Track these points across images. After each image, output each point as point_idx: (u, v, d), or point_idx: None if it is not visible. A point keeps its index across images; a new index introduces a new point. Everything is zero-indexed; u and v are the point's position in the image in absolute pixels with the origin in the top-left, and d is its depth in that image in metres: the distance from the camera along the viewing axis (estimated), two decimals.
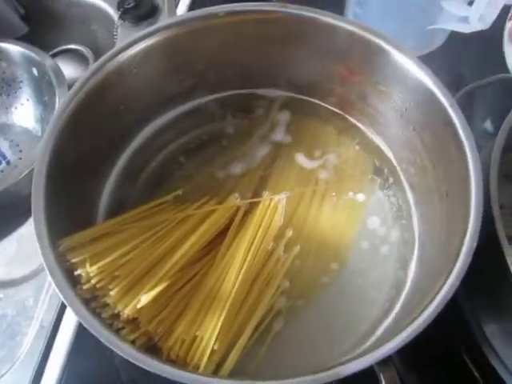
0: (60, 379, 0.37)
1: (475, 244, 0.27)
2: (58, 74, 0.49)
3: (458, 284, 0.26)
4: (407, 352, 0.27)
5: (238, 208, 0.38)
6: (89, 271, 0.29)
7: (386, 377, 0.24)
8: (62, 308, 0.40)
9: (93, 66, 0.34)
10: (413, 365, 0.33)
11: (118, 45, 0.35)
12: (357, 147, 0.43)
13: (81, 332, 0.39)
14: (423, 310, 0.25)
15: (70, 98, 0.33)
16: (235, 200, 0.39)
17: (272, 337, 0.34)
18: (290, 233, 0.38)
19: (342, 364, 0.23)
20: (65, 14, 0.60)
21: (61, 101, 0.33)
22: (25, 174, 0.43)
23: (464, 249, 0.27)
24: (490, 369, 0.32)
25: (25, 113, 0.53)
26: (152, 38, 0.36)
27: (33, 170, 0.42)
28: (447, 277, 0.27)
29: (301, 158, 0.43)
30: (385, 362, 0.24)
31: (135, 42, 0.35)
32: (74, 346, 0.38)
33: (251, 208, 0.39)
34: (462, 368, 0.35)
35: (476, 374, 0.35)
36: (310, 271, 0.37)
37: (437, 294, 0.26)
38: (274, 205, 0.39)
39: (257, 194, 0.40)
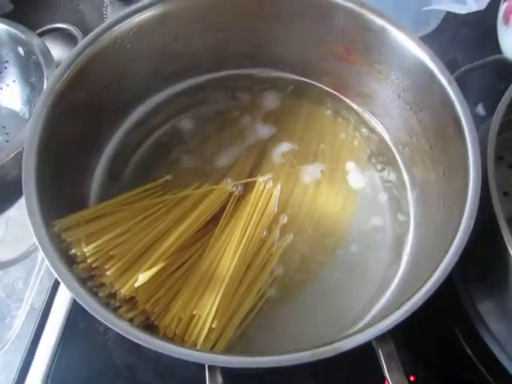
0: (51, 362, 0.37)
1: (473, 221, 0.27)
2: (46, 53, 0.47)
3: (456, 260, 0.26)
4: (400, 329, 0.28)
5: (232, 193, 0.38)
6: (84, 250, 0.28)
7: (384, 352, 0.24)
8: (54, 290, 0.39)
9: (84, 39, 0.33)
10: (406, 342, 0.33)
11: (111, 19, 0.34)
12: (352, 129, 0.42)
13: (73, 315, 0.38)
14: (421, 287, 0.25)
15: (60, 73, 0.32)
16: (228, 185, 0.38)
17: (268, 315, 0.34)
18: (284, 219, 0.38)
19: (341, 339, 0.23)
20: None
21: (50, 79, 0.32)
22: (12, 156, 0.42)
23: (462, 226, 0.27)
24: (483, 345, 0.33)
25: (11, 94, 0.52)
26: (146, 13, 0.35)
27: (20, 152, 0.41)
28: (444, 254, 0.27)
29: (294, 141, 0.42)
30: (383, 337, 0.24)
31: (128, 15, 0.34)
32: (65, 328, 0.38)
33: (245, 194, 0.38)
34: (454, 345, 0.36)
35: (468, 350, 0.35)
36: (306, 252, 0.37)
37: (435, 270, 0.26)
38: (269, 189, 0.38)
39: (251, 176, 0.39)
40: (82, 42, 0.33)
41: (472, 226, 0.27)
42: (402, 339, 0.31)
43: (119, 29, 0.34)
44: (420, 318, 0.33)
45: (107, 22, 0.34)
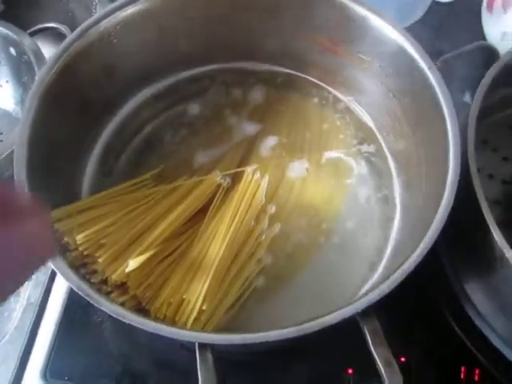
0: (50, 353, 0.37)
1: (452, 203, 0.28)
2: (38, 53, 0.47)
3: (435, 237, 0.27)
4: (389, 308, 0.28)
5: (220, 184, 0.38)
6: (76, 239, 0.29)
7: (369, 328, 0.25)
8: (50, 284, 0.40)
9: (71, 35, 0.34)
10: (395, 321, 0.34)
11: (96, 14, 0.34)
12: (338, 118, 0.43)
13: (69, 307, 0.39)
14: (401, 265, 0.26)
15: (48, 70, 0.33)
16: (217, 177, 0.39)
17: (260, 302, 0.35)
18: (272, 209, 0.39)
19: (325, 315, 0.24)
20: None
21: (39, 73, 0.33)
22: (5, 155, 0.42)
23: (442, 205, 0.28)
24: (471, 323, 0.34)
25: (4, 95, 0.52)
26: (132, 7, 0.35)
27: (13, 151, 0.42)
28: (424, 235, 0.28)
29: (282, 134, 0.42)
30: (367, 313, 0.25)
31: (114, 10, 0.35)
32: (62, 320, 0.38)
33: (233, 185, 0.39)
34: (443, 323, 0.37)
35: (457, 329, 0.36)
36: (296, 239, 0.38)
37: (414, 249, 0.27)
38: (257, 180, 0.39)
39: (239, 172, 0.40)
40: (69, 37, 0.34)
41: (451, 204, 0.28)
42: (393, 321, 0.32)
43: (106, 24, 0.35)
44: (408, 297, 0.34)
45: (94, 17, 0.34)
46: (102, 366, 0.38)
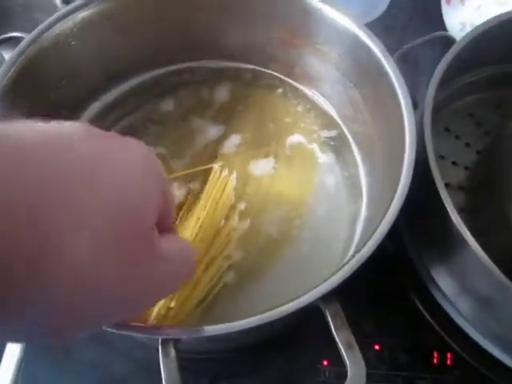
0: (19, 364, 0.37)
1: (407, 189, 0.28)
2: (2, 63, 0.47)
3: (392, 222, 0.27)
4: (356, 294, 0.29)
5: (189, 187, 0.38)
6: None
7: (331, 312, 0.25)
8: None
9: (26, 38, 0.33)
10: (362, 306, 0.34)
11: (52, 17, 0.34)
12: (302, 110, 0.43)
13: None
14: (359, 251, 0.26)
15: (5, 71, 0.33)
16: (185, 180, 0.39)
17: (231, 294, 0.35)
18: (242, 206, 0.39)
19: (286, 303, 0.24)
20: (5, 1, 0.58)
21: None
22: None
23: (398, 193, 0.28)
24: (437, 305, 0.34)
25: None
26: (87, 9, 0.35)
27: None
28: (382, 219, 0.28)
29: (248, 131, 0.42)
30: (328, 298, 0.25)
31: (69, 13, 0.35)
32: None
33: (202, 188, 0.39)
34: (411, 308, 0.37)
35: (425, 313, 0.37)
36: (266, 234, 0.38)
37: (370, 237, 0.27)
38: (225, 177, 0.39)
39: (207, 171, 0.40)
40: (24, 40, 0.33)
41: (407, 188, 0.28)
42: (357, 303, 0.33)
43: (61, 26, 0.34)
44: (374, 283, 0.34)
45: (49, 19, 0.34)
46: (74, 375, 0.37)
